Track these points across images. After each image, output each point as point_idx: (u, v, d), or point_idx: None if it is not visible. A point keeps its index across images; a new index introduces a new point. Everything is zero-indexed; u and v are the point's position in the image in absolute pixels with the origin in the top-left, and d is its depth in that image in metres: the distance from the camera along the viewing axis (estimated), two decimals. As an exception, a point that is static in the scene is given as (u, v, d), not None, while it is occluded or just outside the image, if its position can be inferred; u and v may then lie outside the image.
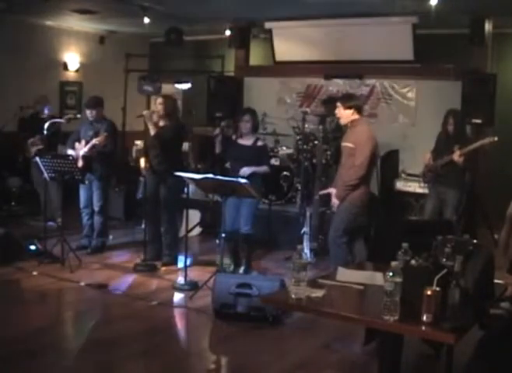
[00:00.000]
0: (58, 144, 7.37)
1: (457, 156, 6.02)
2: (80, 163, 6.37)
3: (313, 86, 8.97)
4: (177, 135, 6.23)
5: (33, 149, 7.34)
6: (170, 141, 6.09)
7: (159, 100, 6.20)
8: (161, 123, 6.17)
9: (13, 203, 8.44)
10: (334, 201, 5.36)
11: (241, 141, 6.00)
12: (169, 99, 6.30)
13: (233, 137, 6.14)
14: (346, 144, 5.32)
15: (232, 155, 6.03)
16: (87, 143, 6.40)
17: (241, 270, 5.95)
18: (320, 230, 6.70)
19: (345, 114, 5.29)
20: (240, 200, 5.67)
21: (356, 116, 5.29)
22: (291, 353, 4.29)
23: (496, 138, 5.94)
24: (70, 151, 6.46)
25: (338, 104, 5.35)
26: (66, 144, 6.77)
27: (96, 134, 6.41)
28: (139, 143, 8.95)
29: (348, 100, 5.34)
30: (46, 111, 7.63)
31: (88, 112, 6.58)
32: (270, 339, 4.52)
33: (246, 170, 5.82)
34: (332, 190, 5.42)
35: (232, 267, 5.99)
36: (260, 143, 6.03)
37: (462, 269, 2.80)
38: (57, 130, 7.13)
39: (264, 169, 5.97)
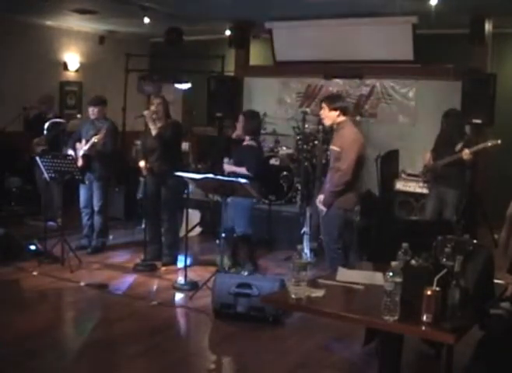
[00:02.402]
0: (63, 146, 7.38)
1: (466, 155, 5.99)
2: (80, 162, 6.38)
3: (313, 86, 8.97)
4: (177, 134, 6.24)
5: (38, 149, 7.35)
6: (170, 140, 6.10)
7: (158, 100, 6.19)
8: (158, 124, 6.15)
9: (13, 203, 8.44)
10: (321, 207, 5.21)
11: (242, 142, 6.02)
12: (165, 100, 6.32)
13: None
14: (333, 147, 5.19)
15: (233, 155, 6.04)
16: (87, 142, 6.41)
17: (245, 270, 5.93)
18: (320, 230, 6.68)
19: (329, 115, 5.13)
20: (232, 200, 5.58)
21: (342, 118, 5.13)
22: (291, 353, 4.29)
23: (499, 141, 5.88)
24: (70, 152, 6.46)
25: (323, 105, 5.19)
26: (67, 144, 6.79)
27: (96, 134, 6.42)
28: (139, 143, 8.94)
29: (334, 101, 5.17)
30: (51, 113, 7.65)
31: (90, 109, 6.58)
32: (270, 339, 4.52)
33: (225, 167, 5.84)
34: (320, 196, 5.27)
35: (228, 266, 5.96)
36: (248, 143, 5.90)
37: (462, 269, 2.80)
38: (62, 131, 7.13)
39: (241, 170, 5.74)
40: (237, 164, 5.84)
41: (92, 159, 6.48)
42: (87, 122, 6.67)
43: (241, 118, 5.94)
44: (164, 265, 6.25)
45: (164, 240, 6.38)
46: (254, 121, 6.00)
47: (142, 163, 6.28)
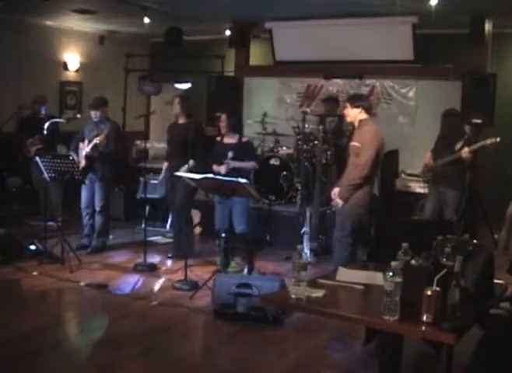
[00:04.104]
0: (58, 144, 7.38)
1: (465, 153, 6.00)
2: (83, 163, 6.39)
3: (313, 86, 8.98)
4: (190, 135, 6.33)
5: (33, 149, 7.35)
6: (186, 142, 6.21)
7: (177, 100, 6.44)
8: (180, 121, 6.44)
9: (13, 203, 8.43)
10: (338, 201, 5.30)
11: (225, 140, 6.10)
12: (184, 98, 6.51)
13: (218, 138, 6.24)
14: (353, 143, 5.31)
15: (217, 154, 6.05)
16: (90, 143, 6.42)
17: (245, 269, 5.95)
18: (320, 230, 6.69)
19: (351, 113, 5.31)
20: (232, 199, 5.61)
21: (364, 116, 5.28)
22: (291, 353, 4.29)
23: (498, 139, 5.89)
24: (73, 153, 6.46)
25: (346, 104, 5.41)
26: (68, 144, 6.80)
27: (98, 135, 6.42)
28: (139, 143, 8.95)
29: (355, 100, 5.37)
30: (43, 111, 7.64)
31: (92, 113, 6.59)
32: (270, 339, 4.52)
33: (229, 164, 5.88)
34: (335, 189, 5.36)
35: (220, 266, 5.94)
36: (244, 139, 6.12)
37: (462, 269, 2.80)
38: (56, 130, 7.14)
39: (251, 164, 6.09)
40: (239, 160, 5.95)
41: (94, 159, 6.49)
42: (90, 123, 6.67)
43: (224, 117, 6.12)
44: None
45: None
46: (235, 118, 6.25)
47: (165, 165, 6.55)
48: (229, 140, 6.07)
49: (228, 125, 6.06)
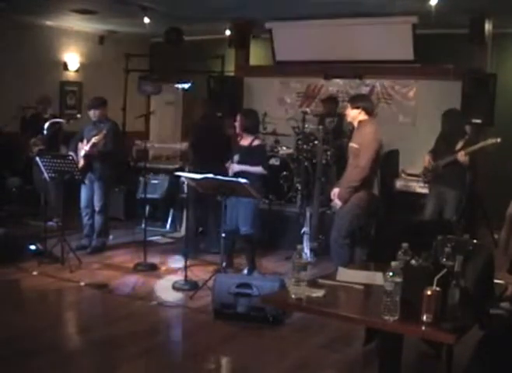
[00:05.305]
0: (61, 145, 7.38)
1: (461, 156, 6.00)
2: (82, 162, 6.39)
3: (313, 86, 8.98)
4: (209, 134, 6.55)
5: (36, 149, 7.35)
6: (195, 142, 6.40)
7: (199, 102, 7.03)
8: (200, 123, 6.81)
9: (13, 203, 8.43)
10: (337, 202, 5.29)
11: (241, 142, 5.99)
12: (203, 102, 7.12)
13: (238, 138, 6.14)
14: (352, 144, 5.28)
15: (231, 156, 6.02)
16: (89, 142, 6.42)
17: (245, 270, 5.95)
18: (320, 230, 6.69)
19: (351, 113, 5.28)
20: (238, 200, 5.61)
21: (364, 117, 5.24)
22: (291, 353, 4.29)
23: (498, 140, 5.85)
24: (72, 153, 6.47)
25: (347, 104, 5.41)
26: (69, 144, 6.80)
27: (97, 134, 6.42)
28: (139, 143, 8.96)
29: (356, 101, 5.33)
30: (50, 111, 7.67)
31: (91, 112, 6.59)
32: (270, 339, 4.53)
33: (234, 167, 5.82)
34: (335, 189, 5.35)
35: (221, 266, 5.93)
36: (256, 142, 5.89)
37: (462, 269, 2.80)
38: (59, 130, 7.14)
39: (257, 169, 5.79)
40: (247, 163, 5.81)
41: (93, 159, 6.49)
42: (89, 123, 6.68)
43: (238, 117, 5.97)
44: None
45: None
46: (251, 119, 5.98)
47: None
48: (244, 142, 5.92)
49: (241, 126, 5.90)
